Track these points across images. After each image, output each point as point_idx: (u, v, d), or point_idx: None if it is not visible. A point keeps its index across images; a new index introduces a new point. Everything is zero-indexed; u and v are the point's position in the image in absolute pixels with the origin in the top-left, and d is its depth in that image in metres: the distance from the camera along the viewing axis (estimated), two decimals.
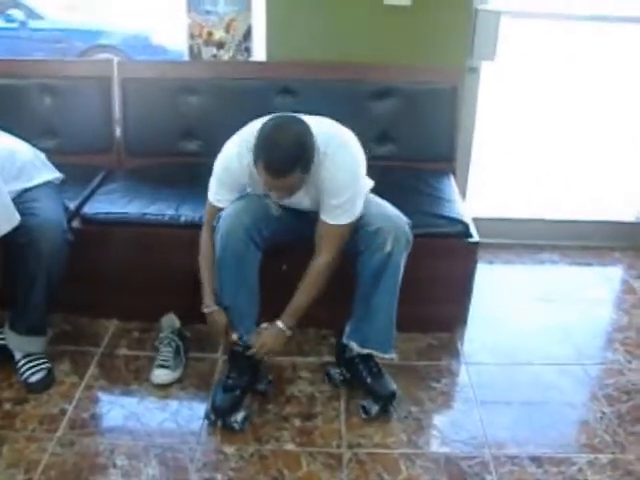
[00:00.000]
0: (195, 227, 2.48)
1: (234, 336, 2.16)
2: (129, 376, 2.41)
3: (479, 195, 3.24)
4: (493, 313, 2.81)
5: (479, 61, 2.94)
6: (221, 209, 2.15)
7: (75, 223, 2.55)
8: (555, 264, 3.24)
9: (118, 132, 2.97)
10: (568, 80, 3.10)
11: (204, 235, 2.21)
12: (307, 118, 2.02)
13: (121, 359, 2.49)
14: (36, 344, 2.35)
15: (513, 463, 2.09)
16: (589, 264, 3.26)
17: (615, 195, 3.39)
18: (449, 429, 2.22)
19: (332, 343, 2.60)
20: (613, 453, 2.13)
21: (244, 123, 2.68)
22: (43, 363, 2.35)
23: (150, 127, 2.95)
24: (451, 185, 2.83)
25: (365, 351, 2.19)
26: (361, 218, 2.12)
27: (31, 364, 2.33)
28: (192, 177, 2.84)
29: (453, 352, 2.59)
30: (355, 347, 2.20)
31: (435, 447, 2.15)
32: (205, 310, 2.21)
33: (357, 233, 2.13)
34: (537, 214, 3.36)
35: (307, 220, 2.19)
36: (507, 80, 3.06)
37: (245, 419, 2.16)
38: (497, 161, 3.28)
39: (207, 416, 2.18)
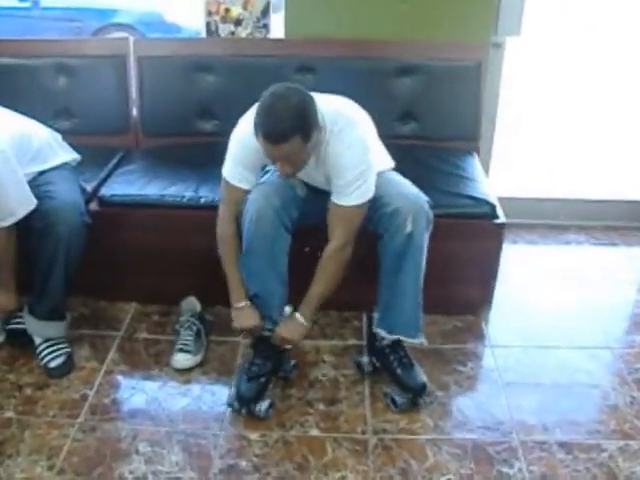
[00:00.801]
0: (215, 209, 2.44)
1: (265, 332, 2.13)
2: (149, 360, 2.38)
3: (502, 174, 3.17)
4: (518, 295, 2.76)
5: (504, 36, 2.85)
6: (240, 189, 2.09)
7: (92, 205, 2.51)
8: (580, 244, 3.17)
9: (135, 112, 2.92)
10: (596, 55, 3.00)
11: (223, 217, 2.13)
12: (320, 95, 1.97)
13: (141, 343, 2.46)
14: (56, 329, 2.32)
15: (542, 449, 2.05)
16: (614, 244, 3.19)
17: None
18: (476, 414, 2.17)
19: (355, 326, 2.56)
20: None
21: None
22: (63, 348, 2.33)
23: (167, 106, 2.89)
24: (475, 164, 2.76)
25: (393, 337, 2.14)
26: (379, 199, 2.05)
27: (51, 349, 2.31)
28: (210, 157, 2.76)
29: (478, 335, 2.54)
30: (383, 334, 2.15)
31: (462, 433, 2.10)
32: (236, 306, 2.13)
33: (375, 214, 2.06)
34: (561, 194, 3.28)
35: (320, 198, 2.15)
36: (532, 56, 2.96)
37: (270, 407, 2.12)
38: (520, 140, 3.19)
39: (231, 404, 2.14)
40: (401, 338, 2.14)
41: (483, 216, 2.45)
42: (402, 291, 2.08)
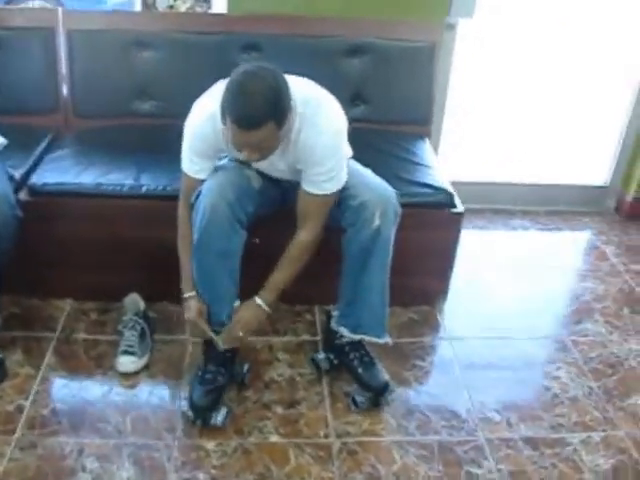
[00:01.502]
0: (158, 198, 2.29)
1: (209, 333, 1.99)
2: (90, 364, 2.19)
3: (449, 158, 3.10)
4: (470, 283, 2.71)
5: (456, 18, 2.76)
6: (198, 180, 1.93)
7: (22, 195, 2.28)
8: (527, 230, 3.16)
9: (65, 90, 2.67)
10: (548, 39, 2.97)
11: (181, 211, 1.99)
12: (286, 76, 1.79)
13: (80, 345, 2.27)
14: None
15: (508, 446, 2.01)
16: (559, 229, 3.20)
17: (584, 159, 3.31)
18: (439, 412, 2.11)
19: (308, 320, 2.46)
20: (604, 430, 2.08)
21: (204, 81, 2.41)
22: None
23: (100, 85, 2.66)
24: (428, 149, 2.67)
25: (357, 337, 2.04)
26: (343, 189, 1.93)
27: None
28: (149, 141, 2.60)
29: (435, 327, 2.49)
30: (346, 333, 2.05)
31: (427, 433, 2.03)
32: (184, 296, 2.01)
33: (339, 207, 1.95)
34: (507, 178, 3.26)
35: (285, 190, 2.02)
36: (485, 39, 2.90)
37: (227, 415, 1.98)
38: (468, 125, 3.14)
39: (184, 414, 1.99)
40: (366, 338, 2.04)
41: (441, 205, 2.37)
42: (368, 289, 1.98)
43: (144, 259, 2.36)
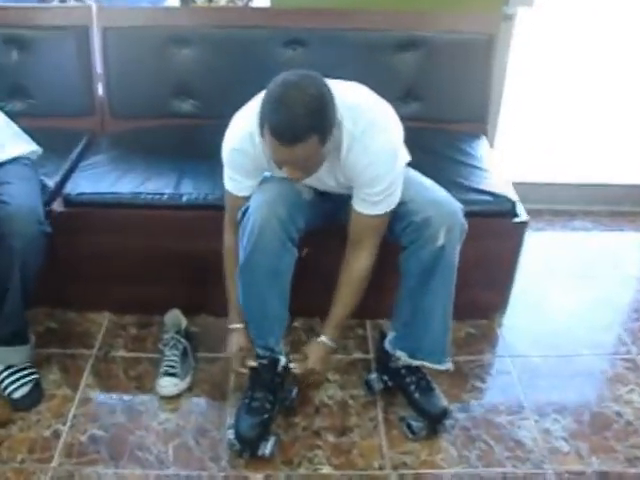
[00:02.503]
0: (199, 208, 2.16)
1: (251, 363, 1.87)
2: (130, 385, 2.08)
3: (505, 157, 2.91)
4: (530, 294, 2.52)
5: (515, 7, 2.56)
6: (241, 197, 1.78)
7: (56, 205, 2.17)
8: (588, 231, 2.96)
9: (100, 91, 2.54)
10: (613, 28, 2.75)
11: (227, 236, 1.86)
12: (331, 82, 1.59)
13: (119, 364, 2.15)
14: (18, 354, 2.01)
15: None
16: (622, 230, 2.99)
17: None
18: (502, 441, 1.95)
19: (359, 335, 2.31)
20: None
21: (246, 79, 2.32)
22: (29, 374, 2.01)
23: (137, 84, 2.53)
24: (486, 150, 2.49)
25: (416, 363, 1.89)
26: (403, 205, 1.77)
27: (14, 376, 1.99)
28: (189, 144, 2.46)
29: (494, 343, 2.32)
30: (403, 357, 1.89)
31: (490, 464, 1.88)
32: (229, 327, 1.89)
33: (399, 223, 1.78)
34: (567, 178, 3.05)
35: (337, 203, 1.85)
36: (545, 29, 2.69)
37: (275, 444, 1.85)
38: (523, 121, 2.93)
39: (231, 445, 1.86)
40: (425, 364, 1.88)
41: (503, 214, 2.19)
42: (429, 312, 1.81)
43: (184, 271, 2.25)
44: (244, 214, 1.72)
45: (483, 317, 2.38)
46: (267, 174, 1.83)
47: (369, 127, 1.62)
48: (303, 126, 1.45)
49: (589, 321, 2.44)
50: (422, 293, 1.80)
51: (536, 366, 2.22)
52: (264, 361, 1.86)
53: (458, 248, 1.79)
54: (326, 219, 1.90)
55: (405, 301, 1.87)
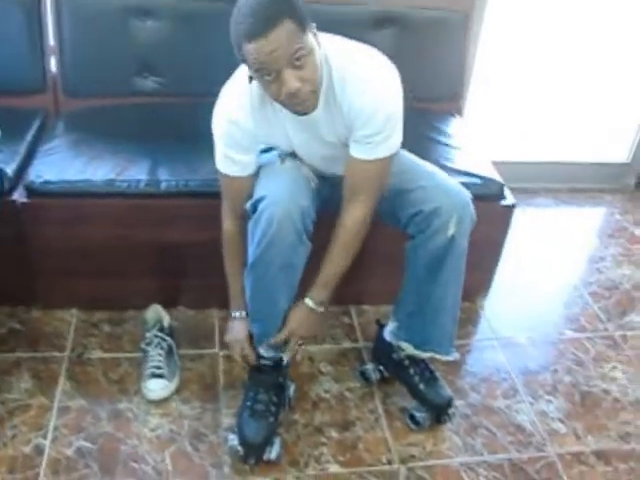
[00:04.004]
0: (178, 196, 2.01)
1: (263, 360, 1.78)
2: (112, 389, 1.92)
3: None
4: (504, 275, 2.50)
5: None
6: (240, 178, 1.65)
7: (17, 195, 1.96)
8: (550, 208, 3.00)
9: (53, 66, 2.31)
10: (578, 12, 2.75)
11: (227, 224, 1.72)
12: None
13: (97, 366, 1.99)
14: None
15: (580, 461, 1.87)
16: (581, 206, 3.05)
17: (605, 136, 3.13)
18: (503, 426, 1.94)
19: (345, 323, 2.25)
20: None
21: (212, 54, 2.20)
22: None
23: (95, 59, 2.30)
24: (464, 130, 2.45)
25: (424, 355, 1.83)
26: (408, 192, 1.69)
27: None
28: (156, 124, 2.29)
29: (480, 325, 2.31)
30: (410, 349, 1.83)
31: (495, 451, 1.87)
32: (233, 315, 1.78)
33: (405, 211, 1.70)
34: (528, 156, 3.07)
35: (334, 187, 1.75)
36: (514, 10, 2.65)
37: (281, 447, 1.76)
38: (486, 100, 2.90)
39: (233, 451, 1.75)
40: (434, 356, 1.83)
41: (491, 197, 2.17)
42: (439, 303, 1.75)
43: (158, 262, 2.11)
44: (255, 205, 1.58)
45: (466, 300, 2.34)
46: (265, 158, 1.71)
47: (358, 59, 1.53)
48: (272, 10, 1.33)
49: (565, 301, 2.47)
50: (431, 284, 1.73)
51: (523, 349, 2.23)
52: (268, 362, 1.76)
53: (468, 238, 1.74)
54: (325, 206, 1.80)
55: (411, 292, 1.80)
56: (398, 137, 1.60)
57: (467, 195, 1.71)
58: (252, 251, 1.61)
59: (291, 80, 1.40)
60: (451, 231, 1.66)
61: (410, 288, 1.80)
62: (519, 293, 2.47)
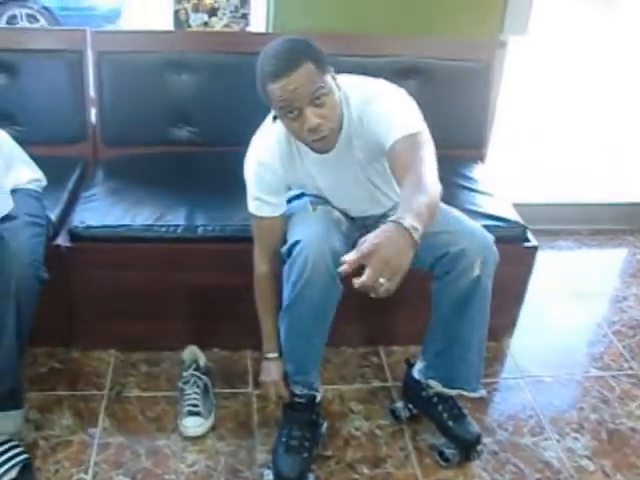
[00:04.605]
0: (215, 241, 2.10)
1: (297, 398, 1.84)
2: (150, 427, 1.99)
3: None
4: (531, 314, 2.55)
5: (509, 35, 2.62)
6: (272, 218, 1.76)
7: (61, 240, 2.07)
8: (573, 251, 3.05)
9: (93, 117, 2.44)
10: (599, 57, 2.85)
11: (260, 267, 1.81)
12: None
13: (135, 404, 2.06)
14: (10, 422, 1.78)
15: None
16: (602, 248, 3.10)
17: (625, 176, 3.20)
18: (530, 462, 1.97)
19: (375, 363, 2.30)
20: None
21: (245, 105, 2.28)
22: (18, 454, 1.73)
23: (132, 111, 2.44)
24: (487, 175, 2.53)
25: (452, 392, 1.88)
26: (437, 234, 1.75)
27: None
28: (191, 172, 2.39)
29: (506, 364, 2.35)
30: (438, 387, 1.88)
31: None
32: (267, 356, 1.85)
33: (431, 253, 1.75)
34: (549, 198, 3.14)
35: (366, 229, 1.83)
36: (535, 57, 2.77)
37: None
38: (508, 143, 3.00)
39: None
40: (462, 393, 1.88)
41: (514, 239, 2.23)
42: (466, 342, 1.81)
43: (195, 305, 2.19)
44: (290, 250, 1.67)
45: (492, 340, 2.40)
46: (295, 202, 1.81)
47: (376, 93, 1.65)
48: (294, 53, 1.52)
49: (589, 340, 2.51)
50: (458, 323, 1.80)
51: (549, 387, 2.27)
52: (302, 400, 1.82)
53: (492, 279, 1.80)
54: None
55: (439, 331, 1.86)
56: (418, 117, 1.66)
57: (491, 238, 1.79)
58: (287, 294, 1.69)
59: (312, 117, 1.53)
60: (476, 272, 1.73)
61: (437, 328, 1.86)
62: (544, 333, 2.51)
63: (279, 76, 1.50)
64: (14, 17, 4.95)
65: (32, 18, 4.93)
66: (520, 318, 2.46)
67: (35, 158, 2.18)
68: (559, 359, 2.39)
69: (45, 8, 4.89)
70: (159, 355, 2.22)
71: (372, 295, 1.30)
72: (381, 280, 1.27)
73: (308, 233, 1.67)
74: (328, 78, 1.56)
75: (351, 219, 1.86)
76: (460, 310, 1.78)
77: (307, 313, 1.69)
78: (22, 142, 2.28)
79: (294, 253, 1.65)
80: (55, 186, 2.22)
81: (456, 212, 1.88)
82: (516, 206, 2.69)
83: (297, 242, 1.65)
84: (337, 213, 1.82)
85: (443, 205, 1.90)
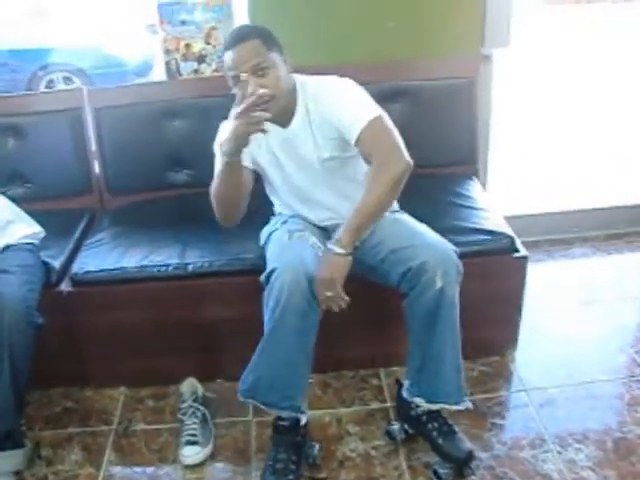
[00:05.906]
0: (205, 276, 2.19)
1: (283, 422, 1.91)
2: (153, 458, 2.08)
3: (498, 194, 2.96)
4: (539, 326, 2.54)
5: (491, 48, 2.64)
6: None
7: (64, 285, 2.21)
8: (588, 258, 3.00)
9: (97, 169, 2.61)
10: (589, 63, 2.84)
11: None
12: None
13: (140, 437, 2.15)
14: (8, 460, 1.90)
15: None
16: (620, 252, 3.03)
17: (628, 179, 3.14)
18: (528, 477, 1.94)
19: (374, 385, 2.32)
20: None
21: None
22: None
23: (132, 159, 2.58)
24: (478, 190, 2.54)
25: (435, 407, 1.90)
26: (396, 251, 1.84)
27: None
28: (188, 213, 2.50)
29: (509, 378, 2.33)
30: (422, 404, 1.90)
31: None
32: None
33: (395, 269, 1.82)
34: (560, 206, 3.10)
35: None
36: (521, 68, 2.78)
37: None
38: (511, 156, 3.00)
39: None
40: (444, 407, 1.89)
41: (503, 251, 2.23)
42: (439, 356, 1.83)
43: (195, 339, 2.27)
44: (268, 277, 1.76)
45: (495, 354, 2.40)
46: (278, 232, 1.93)
47: (322, 81, 1.91)
48: (245, 30, 1.87)
49: (600, 347, 2.46)
50: (429, 338, 1.83)
51: (553, 397, 2.23)
52: (286, 423, 1.88)
53: (457, 288, 1.83)
54: None
55: (414, 348, 1.89)
56: (374, 104, 1.87)
57: (450, 248, 1.83)
58: (267, 320, 1.77)
59: (252, 84, 1.76)
60: (439, 284, 1.76)
61: (413, 344, 1.89)
62: (550, 343, 2.48)
63: (229, 47, 1.80)
64: (51, 81, 5.29)
65: (68, 80, 5.26)
66: (528, 331, 2.45)
67: (45, 212, 2.36)
68: (565, 369, 2.34)
69: (79, 69, 5.19)
70: (165, 389, 2.32)
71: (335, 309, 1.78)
72: (327, 294, 1.73)
73: (284, 261, 1.77)
74: (273, 56, 1.81)
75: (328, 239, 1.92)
76: (428, 325, 1.81)
77: (288, 339, 1.76)
78: (33, 198, 2.51)
79: (271, 280, 1.74)
80: (61, 236, 2.39)
81: (418, 225, 1.93)
82: (525, 217, 2.70)
83: (274, 270, 1.75)
84: (314, 239, 1.89)
85: (406, 217, 1.96)
